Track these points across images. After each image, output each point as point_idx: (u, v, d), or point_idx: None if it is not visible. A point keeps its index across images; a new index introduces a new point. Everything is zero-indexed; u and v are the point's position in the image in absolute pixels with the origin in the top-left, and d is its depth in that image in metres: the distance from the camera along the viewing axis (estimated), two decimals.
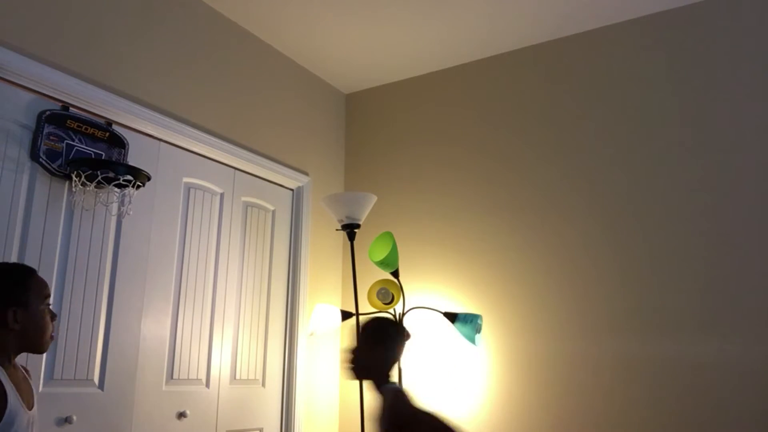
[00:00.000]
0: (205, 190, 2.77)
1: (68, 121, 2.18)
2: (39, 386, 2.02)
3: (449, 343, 3.00)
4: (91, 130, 2.25)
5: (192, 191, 2.70)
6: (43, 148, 2.09)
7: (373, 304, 2.94)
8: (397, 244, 2.93)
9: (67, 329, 2.13)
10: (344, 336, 3.36)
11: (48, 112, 2.13)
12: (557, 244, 2.88)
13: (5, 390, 1.45)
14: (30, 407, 1.55)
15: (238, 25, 3.05)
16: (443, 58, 3.35)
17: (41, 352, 1.58)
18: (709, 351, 2.47)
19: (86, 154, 2.22)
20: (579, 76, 3.02)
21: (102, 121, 2.32)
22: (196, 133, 2.69)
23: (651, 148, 2.76)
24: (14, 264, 1.58)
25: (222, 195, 2.85)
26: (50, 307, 1.61)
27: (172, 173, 2.60)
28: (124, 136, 2.37)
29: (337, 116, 3.69)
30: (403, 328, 1.77)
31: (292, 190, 3.25)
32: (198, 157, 2.75)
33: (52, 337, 1.59)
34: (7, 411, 1.43)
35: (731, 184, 2.57)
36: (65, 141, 2.16)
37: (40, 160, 2.09)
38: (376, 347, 1.69)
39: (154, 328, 2.43)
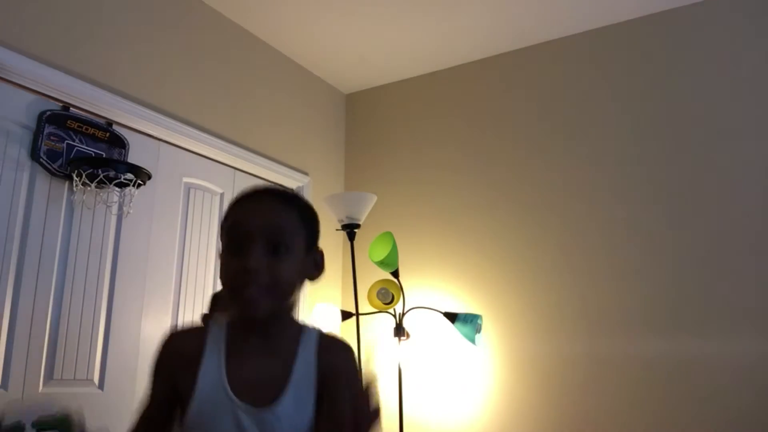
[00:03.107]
0: (205, 190, 2.77)
1: (69, 122, 2.18)
2: (39, 386, 2.03)
3: (449, 343, 3.00)
4: (91, 131, 2.25)
5: (192, 191, 2.70)
6: (43, 148, 2.10)
7: (373, 304, 2.94)
8: (397, 244, 2.93)
9: (67, 329, 2.13)
10: (344, 336, 3.36)
11: (48, 113, 2.13)
12: (558, 244, 2.88)
13: None
14: None
15: (239, 26, 3.05)
16: (443, 58, 3.34)
17: None
18: (717, 351, 2.47)
19: (87, 154, 2.22)
20: (580, 76, 3.02)
21: (102, 121, 2.32)
22: (196, 133, 2.69)
23: (652, 147, 2.77)
24: None
25: (222, 195, 2.85)
26: None
27: (172, 173, 2.60)
28: (125, 136, 2.37)
29: (337, 116, 3.69)
30: None
31: (292, 190, 3.25)
32: (198, 157, 2.75)
33: None
34: None
35: (731, 183, 2.57)
36: (66, 141, 2.16)
37: (41, 160, 2.09)
38: None
39: (154, 328, 2.43)
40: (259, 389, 0.96)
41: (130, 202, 2.26)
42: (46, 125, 2.11)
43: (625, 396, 2.58)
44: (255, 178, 3.04)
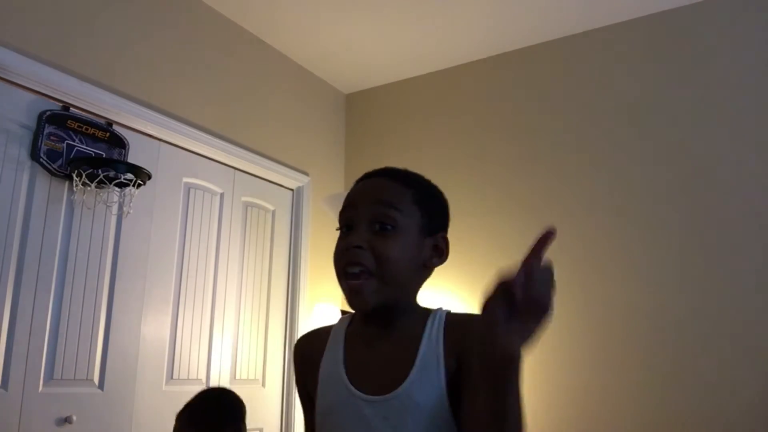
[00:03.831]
0: (205, 190, 2.77)
1: (69, 122, 2.18)
2: (39, 386, 2.03)
3: None
4: (91, 131, 2.25)
5: (192, 191, 2.70)
6: (43, 148, 2.10)
7: None
8: None
9: (67, 329, 2.13)
10: None
11: (48, 113, 2.13)
12: (558, 244, 2.87)
13: None
14: None
15: (239, 26, 3.05)
16: (443, 58, 3.34)
17: None
18: (724, 359, 2.47)
19: (87, 154, 2.22)
20: (580, 76, 3.02)
21: (102, 121, 2.32)
22: (196, 133, 2.69)
23: (653, 147, 2.76)
24: None
25: (222, 195, 2.85)
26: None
27: (172, 173, 2.60)
28: (125, 136, 2.37)
29: (337, 116, 3.69)
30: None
31: (292, 190, 3.25)
32: (198, 157, 2.75)
33: None
34: None
35: (730, 182, 2.57)
36: (66, 141, 2.16)
37: (41, 160, 2.09)
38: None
39: (154, 328, 2.43)
40: (380, 377, 0.90)
41: (130, 202, 2.26)
42: (46, 125, 2.11)
43: (628, 396, 2.58)
44: (255, 178, 3.04)
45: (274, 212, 3.13)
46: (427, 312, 0.97)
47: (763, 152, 2.54)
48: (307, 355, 1.01)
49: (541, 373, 2.78)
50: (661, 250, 2.65)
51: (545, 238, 0.77)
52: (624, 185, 2.79)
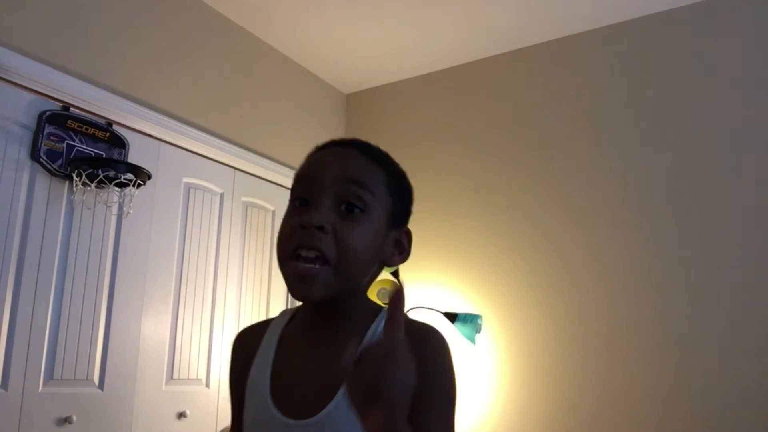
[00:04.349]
0: (205, 190, 2.77)
1: (69, 122, 2.19)
2: (39, 386, 2.03)
3: (449, 342, 3.00)
4: (91, 131, 2.25)
5: (192, 191, 2.70)
6: (43, 148, 2.10)
7: None
8: None
9: (67, 329, 2.13)
10: None
11: (48, 113, 2.13)
12: (559, 244, 2.88)
13: None
14: None
15: (239, 26, 3.05)
16: (443, 58, 3.34)
17: None
18: (729, 369, 2.47)
19: (87, 154, 2.22)
20: (581, 76, 3.01)
21: (102, 121, 2.32)
22: (196, 133, 2.69)
23: (653, 146, 2.76)
24: None
25: (222, 195, 2.85)
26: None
27: (172, 173, 2.60)
28: (125, 136, 2.37)
29: (337, 116, 3.69)
30: None
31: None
32: (198, 157, 2.75)
33: None
34: None
35: (731, 184, 2.57)
36: (66, 141, 2.17)
37: (41, 160, 2.09)
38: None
39: (154, 328, 2.43)
40: (308, 394, 0.75)
41: (130, 202, 2.26)
42: (46, 125, 2.12)
43: (631, 396, 2.58)
44: (255, 178, 3.04)
45: (274, 212, 3.13)
46: (374, 314, 0.81)
47: (763, 152, 2.53)
48: (242, 353, 0.87)
49: (543, 377, 2.78)
50: (663, 250, 2.65)
51: (396, 302, 0.63)
52: (624, 185, 2.79)
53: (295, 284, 0.76)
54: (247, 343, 0.88)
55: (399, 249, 0.85)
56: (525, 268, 2.94)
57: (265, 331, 0.86)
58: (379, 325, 0.78)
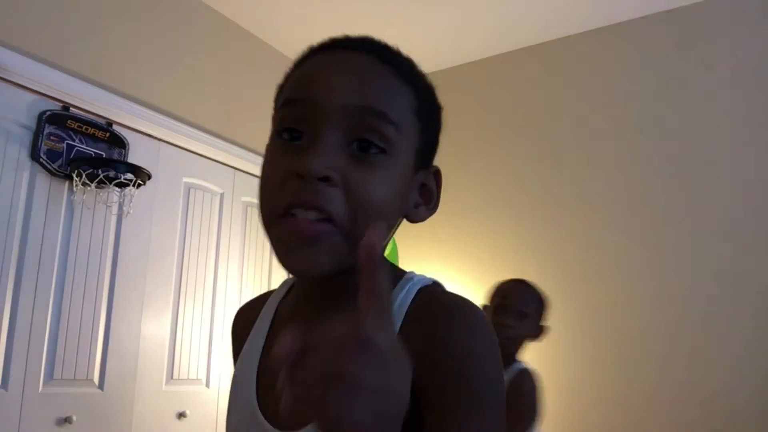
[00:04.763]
0: (205, 190, 2.77)
1: (68, 122, 2.18)
2: (39, 386, 2.03)
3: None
4: (91, 131, 2.25)
5: (192, 191, 2.70)
6: (43, 148, 2.09)
7: None
8: (397, 244, 2.93)
9: (67, 329, 2.13)
10: None
11: (48, 113, 2.13)
12: (559, 244, 2.88)
13: None
14: None
15: (239, 26, 3.05)
16: (442, 58, 3.34)
17: None
18: (734, 368, 2.47)
19: (87, 154, 2.22)
20: (580, 76, 3.02)
21: (102, 121, 2.32)
22: (196, 133, 2.69)
23: (657, 146, 2.77)
24: None
25: (222, 195, 2.85)
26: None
27: (172, 173, 2.60)
28: (125, 136, 2.37)
29: None
30: None
31: None
32: (198, 157, 2.75)
33: None
34: None
35: (731, 183, 2.57)
36: (66, 141, 2.16)
37: (41, 160, 2.09)
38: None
39: (154, 328, 2.43)
40: None
41: (130, 202, 2.26)
42: (46, 125, 2.11)
43: (637, 396, 2.58)
44: (255, 178, 3.03)
45: None
46: (396, 278, 0.60)
47: (763, 153, 2.54)
48: (237, 339, 0.71)
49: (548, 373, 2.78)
50: (663, 251, 2.65)
51: (367, 257, 0.40)
52: (625, 186, 2.79)
53: (288, 251, 0.54)
54: (241, 323, 0.71)
55: (426, 197, 0.65)
56: (526, 267, 2.94)
57: (261, 307, 0.68)
58: (403, 296, 0.57)
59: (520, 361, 1.70)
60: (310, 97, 0.56)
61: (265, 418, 0.58)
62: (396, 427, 0.39)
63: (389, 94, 0.57)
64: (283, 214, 0.54)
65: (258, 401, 0.60)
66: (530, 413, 1.55)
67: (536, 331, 1.75)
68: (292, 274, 0.58)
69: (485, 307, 1.85)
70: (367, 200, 0.54)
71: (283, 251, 0.54)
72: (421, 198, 0.64)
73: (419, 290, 0.59)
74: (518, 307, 1.71)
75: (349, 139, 0.55)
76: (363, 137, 0.55)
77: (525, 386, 1.58)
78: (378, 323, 0.38)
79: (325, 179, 0.53)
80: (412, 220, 0.63)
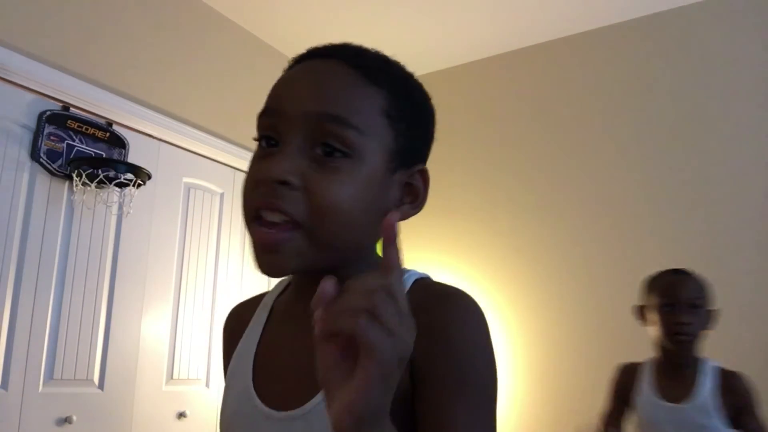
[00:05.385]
0: (205, 190, 2.77)
1: (69, 122, 2.18)
2: (39, 386, 2.03)
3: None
4: (91, 131, 2.25)
5: (192, 191, 2.70)
6: (43, 148, 2.10)
7: None
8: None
9: (67, 329, 2.13)
10: None
11: (48, 113, 2.13)
12: (559, 244, 2.88)
13: None
14: None
15: (239, 26, 3.05)
16: (443, 58, 3.34)
17: None
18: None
19: (87, 154, 2.22)
20: (580, 76, 3.02)
21: (102, 121, 2.32)
22: (196, 133, 2.69)
23: (655, 146, 2.77)
24: None
25: (222, 195, 2.85)
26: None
27: (172, 173, 2.60)
28: (125, 136, 2.37)
29: None
30: None
31: None
32: (198, 157, 2.75)
33: None
34: None
35: (731, 183, 2.57)
36: (66, 141, 2.16)
37: (41, 160, 2.09)
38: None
39: (154, 328, 2.43)
40: (296, 381, 0.60)
41: (130, 202, 2.26)
42: (46, 125, 2.11)
43: None
44: None
45: None
46: None
47: (763, 153, 2.54)
48: (230, 335, 0.75)
49: (541, 376, 2.78)
50: (663, 250, 2.65)
51: (389, 236, 0.48)
52: (626, 184, 2.79)
53: (258, 255, 0.59)
54: (235, 322, 0.74)
55: (411, 195, 0.65)
56: (526, 266, 2.94)
57: (257, 305, 0.72)
58: None
59: (707, 359, 1.62)
60: (279, 106, 0.62)
61: (262, 401, 0.63)
62: (396, 376, 0.45)
63: (351, 98, 0.60)
64: (255, 217, 0.59)
65: (254, 386, 0.65)
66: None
67: (710, 320, 1.63)
68: (264, 272, 0.62)
69: (641, 308, 1.72)
70: (327, 202, 0.57)
71: (253, 255, 0.61)
72: (407, 196, 0.65)
73: (414, 281, 0.64)
74: (687, 300, 1.58)
75: (313, 144, 0.59)
76: (325, 142, 0.58)
77: (741, 387, 1.55)
78: (398, 281, 0.46)
79: (285, 183, 0.57)
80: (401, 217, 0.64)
